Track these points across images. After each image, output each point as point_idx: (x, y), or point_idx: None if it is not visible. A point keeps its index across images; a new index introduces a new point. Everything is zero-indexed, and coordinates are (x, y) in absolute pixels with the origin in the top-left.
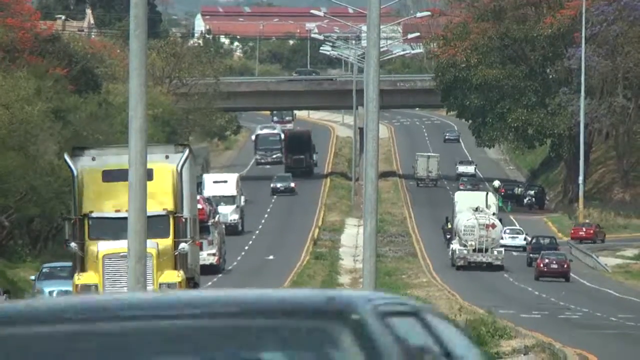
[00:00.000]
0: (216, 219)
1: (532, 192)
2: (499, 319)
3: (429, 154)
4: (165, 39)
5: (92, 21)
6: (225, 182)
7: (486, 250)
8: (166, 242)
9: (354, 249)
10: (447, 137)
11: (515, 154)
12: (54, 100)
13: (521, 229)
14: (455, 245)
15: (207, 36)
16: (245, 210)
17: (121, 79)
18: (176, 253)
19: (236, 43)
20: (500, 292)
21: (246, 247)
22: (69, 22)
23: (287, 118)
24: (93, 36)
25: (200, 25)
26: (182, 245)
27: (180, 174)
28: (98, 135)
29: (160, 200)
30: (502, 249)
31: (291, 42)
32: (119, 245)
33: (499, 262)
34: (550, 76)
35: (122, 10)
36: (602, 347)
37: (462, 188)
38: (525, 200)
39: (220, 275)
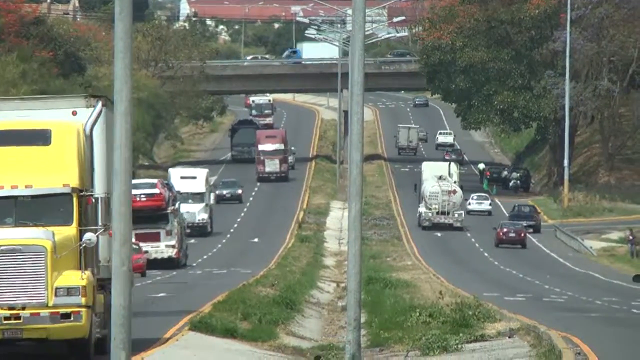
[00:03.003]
0: (176, 206)
1: (517, 175)
2: (484, 302)
3: (410, 125)
4: (151, 22)
5: (77, 4)
6: (194, 178)
7: (448, 213)
8: (67, 232)
9: (339, 231)
10: (416, 102)
11: (501, 137)
12: (39, 83)
13: (487, 195)
14: (421, 209)
15: (193, 19)
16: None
17: (106, 62)
18: (81, 246)
19: (221, 26)
20: (486, 275)
21: (231, 230)
22: (55, 5)
23: (266, 111)
24: (78, 19)
25: (185, 8)
26: (89, 235)
27: (90, 137)
28: None
29: (59, 173)
30: (462, 212)
31: (276, 25)
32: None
33: (459, 224)
34: (536, 59)
35: None
36: (587, 330)
37: (447, 158)
38: (510, 183)
39: (175, 272)
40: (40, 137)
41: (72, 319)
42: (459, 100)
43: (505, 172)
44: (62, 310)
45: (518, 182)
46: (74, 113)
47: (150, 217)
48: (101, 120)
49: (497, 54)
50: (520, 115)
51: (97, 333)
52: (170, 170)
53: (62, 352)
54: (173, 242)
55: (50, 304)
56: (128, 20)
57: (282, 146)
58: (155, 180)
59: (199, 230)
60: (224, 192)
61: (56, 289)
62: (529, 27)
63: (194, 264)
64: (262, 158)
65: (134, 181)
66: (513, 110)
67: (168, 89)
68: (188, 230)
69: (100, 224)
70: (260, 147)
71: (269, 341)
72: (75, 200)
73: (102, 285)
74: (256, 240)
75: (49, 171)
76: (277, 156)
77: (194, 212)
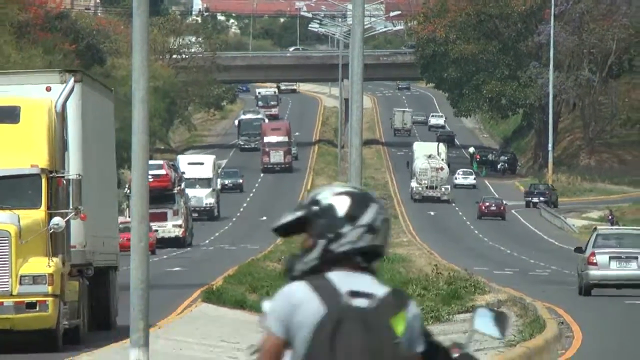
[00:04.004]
0: (182, 186)
1: (505, 159)
2: (474, 275)
3: (404, 109)
4: (166, 16)
5: (98, 0)
6: (202, 164)
7: (436, 187)
8: (35, 215)
9: None
10: (399, 86)
11: (490, 123)
12: None
13: (472, 170)
14: (413, 184)
15: (205, 14)
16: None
17: (125, 54)
18: (50, 231)
19: (232, 20)
20: (476, 250)
21: (241, 209)
22: (77, 1)
23: (272, 103)
24: (99, 14)
25: (198, 3)
26: (56, 220)
27: (62, 114)
28: None
29: (28, 153)
30: (449, 186)
31: (282, 19)
32: None
33: (446, 197)
34: (522, 51)
35: None
36: (568, 301)
37: (440, 138)
38: (498, 166)
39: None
40: (8, 115)
41: (37, 308)
42: (451, 89)
43: (493, 155)
44: (27, 300)
45: (505, 164)
46: (48, 89)
47: (157, 197)
48: (75, 97)
49: (486, 46)
50: (508, 102)
51: (66, 323)
52: (179, 156)
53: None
54: (180, 222)
55: (15, 292)
56: (145, 15)
57: (286, 138)
58: (161, 162)
59: (206, 214)
60: (226, 181)
61: (21, 277)
62: (515, 21)
63: (207, 241)
64: (267, 150)
65: None
66: (501, 98)
67: (182, 79)
68: (195, 214)
69: (71, 207)
70: (266, 139)
71: None
72: (44, 181)
73: (79, 271)
74: (264, 218)
75: (17, 151)
76: (282, 148)
77: (201, 196)
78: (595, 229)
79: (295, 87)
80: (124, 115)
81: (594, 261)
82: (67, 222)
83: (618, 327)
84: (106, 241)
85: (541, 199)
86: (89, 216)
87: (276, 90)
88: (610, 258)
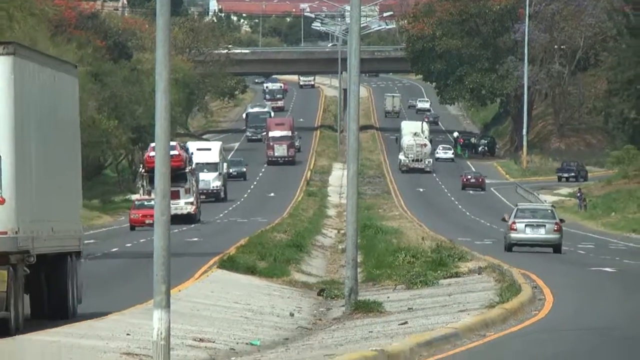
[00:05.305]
0: (193, 166)
1: (485, 142)
2: (458, 245)
3: (394, 94)
4: (185, 16)
5: (125, 2)
6: (209, 149)
7: (420, 161)
8: None
9: (339, 187)
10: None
11: (471, 111)
12: (93, 66)
13: (450, 146)
14: (401, 157)
15: (220, 14)
16: (245, 161)
17: (149, 49)
18: None
19: (243, 20)
20: (460, 223)
21: (251, 186)
22: (107, 3)
23: (278, 96)
24: (126, 14)
25: (214, 4)
26: None
27: None
28: (130, 95)
29: None
30: (431, 160)
31: (288, 19)
32: None
33: (428, 169)
34: (500, 46)
35: None
36: (542, 268)
37: (426, 120)
38: (479, 149)
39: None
40: None
41: None
42: (437, 80)
43: (474, 139)
44: None
45: (485, 147)
46: None
47: (170, 176)
48: (6, 70)
49: (468, 42)
50: (487, 92)
51: None
52: (188, 142)
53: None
54: (191, 200)
55: None
56: (167, 15)
57: (289, 133)
58: (174, 143)
59: (213, 197)
60: (231, 169)
61: None
62: (493, 20)
63: (221, 215)
64: (271, 144)
65: (154, 144)
66: (481, 88)
67: (199, 71)
68: (203, 197)
69: None
70: (270, 134)
71: (283, 277)
72: None
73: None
74: (272, 194)
75: None
76: (285, 142)
77: (209, 180)
78: (517, 205)
79: (313, 83)
80: (149, 104)
81: (515, 227)
82: None
83: (585, 291)
84: (57, 226)
85: (572, 174)
86: (26, 200)
87: (282, 85)
88: (525, 225)
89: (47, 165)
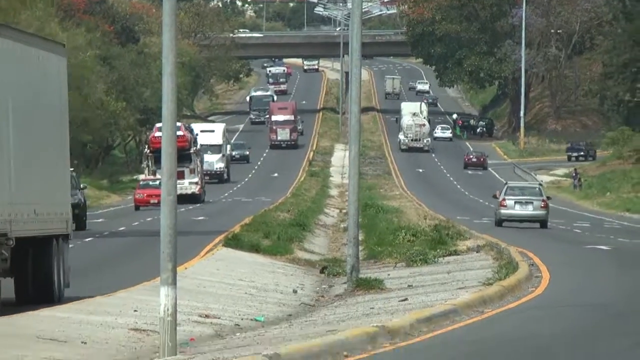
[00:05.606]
0: (197, 147)
1: (483, 123)
2: (457, 224)
3: (394, 76)
4: (191, 1)
5: None
6: (212, 131)
7: (419, 140)
8: None
9: (341, 168)
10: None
11: (470, 93)
12: (102, 49)
13: (448, 126)
14: (401, 136)
15: None
16: (248, 143)
17: (156, 33)
18: None
19: (247, 5)
20: (459, 202)
21: (255, 167)
22: None
23: (281, 80)
24: None
25: None
26: None
27: None
28: (137, 78)
29: None
30: (429, 139)
31: (291, 4)
32: None
33: (427, 148)
34: (498, 30)
35: None
36: (538, 246)
37: (425, 102)
38: (477, 130)
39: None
40: None
41: None
42: (437, 63)
43: (473, 121)
44: None
45: (484, 128)
46: None
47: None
48: None
49: (467, 26)
50: (485, 75)
51: None
52: (193, 125)
53: None
54: (196, 180)
55: None
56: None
57: (292, 117)
58: (179, 124)
59: (217, 178)
60: (234, 152)
61: None
62: (491, 4)
63: (226, 194)
64: (274, 127)
65: (159, 125)
66: (479, 71)
67: (205, 55)
68: (207, 178)
69: None
70: (273, 118)
71: (286, 255)
72: None
73: None
74: (276, 175)
75: None
76: (288, 126)
77: (212, 161)
78: (506, 183)
79: (317, 67)
80: (156, 87)
81: (504, 204)
82: None
83: (581, 268)
84: (40, 208)
85: (580, 154)
86: (2, 182)
87: (285, 69)
88: (515, 202)
89: (28, 146)
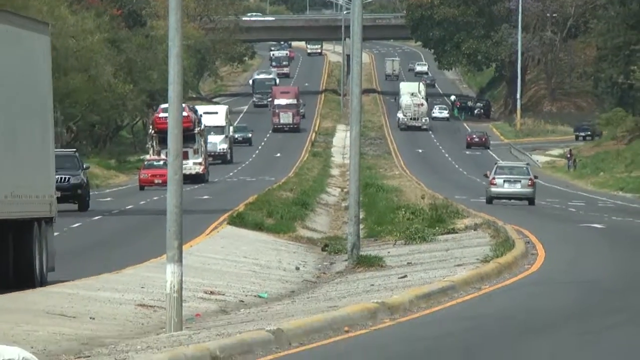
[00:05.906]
0: (201, 127)
1: (480, 105)
2: (455, 202)
3: (393, 58)
4: None
5: None
6: (216, 113)
7: (417, 119)
8: None
9: (342, 148)
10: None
11: (468, 75)
12: (110, 32)
13: (446, 106)
14: (399, 115)
15: None
16: (250, 127)
17: (162, 17)
18: None
19: None
20: (457, 182)
21: (259, 147)
22: None
23: (284, 63)
24: None
25: None
26: None
27: None
28: (144, 61)
29: None
30: (427, 118)
31: None
32: None
33: (425, 127)
34: (495, 14)
35: None
36: (534, 224)
37: (423, 82)
38: (475, 111)
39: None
40: None
41: None
42: (435, 46)
43: (471, 102)
44: None
45: (481, 110)
46: None
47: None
48: None
49: (465, 10)
50: (483, 58)
51: None
52: (196, 107)
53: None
54: (200, 160)
55: None
56: None
57: (295, 101)
58: (183, 105)
59: (220, 159)
60: (236, 135)
61: None
62: None
63: (231, 174)
64: (277, 111)
65: (163, 106)
66: (477, 54)
67: (210, 38)
68: (210, 159)
69: None
70: (276, 102)
71: (289, 233)
72: None
73: None
74: (279, 155)
75: None
76: (291, 110)
77: (215, 142)
78: (496, 162)
79: (320, 51)
80: (163, 69)
81: (494, 182)
82: None
83: (575, 246)
84: (19, 190)
85: (585, 134)
86: None
87: (288, 52)
88: (504, 181)
89: (7, 127)
